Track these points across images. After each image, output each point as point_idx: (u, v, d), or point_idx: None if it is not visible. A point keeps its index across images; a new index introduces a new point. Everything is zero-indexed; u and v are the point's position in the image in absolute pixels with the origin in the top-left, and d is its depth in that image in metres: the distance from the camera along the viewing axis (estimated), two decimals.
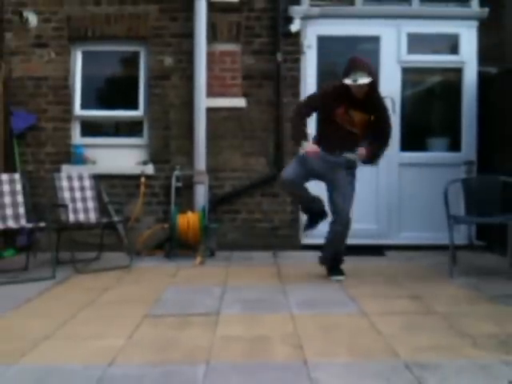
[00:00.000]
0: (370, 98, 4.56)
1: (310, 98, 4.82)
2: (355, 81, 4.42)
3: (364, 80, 4.42)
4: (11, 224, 5.05)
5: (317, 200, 4.88)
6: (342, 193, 4.66)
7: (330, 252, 4.83)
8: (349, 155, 4.60)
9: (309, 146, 4.55)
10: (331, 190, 4.73)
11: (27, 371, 2.78)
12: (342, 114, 4.55)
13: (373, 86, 4.54)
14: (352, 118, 4.55)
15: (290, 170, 4.71)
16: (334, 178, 4.66)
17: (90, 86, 6.45)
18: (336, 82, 4.62)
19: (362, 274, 5.06)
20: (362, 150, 4.60)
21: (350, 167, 4.68)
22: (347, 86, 4.48)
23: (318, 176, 4.73)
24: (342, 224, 4.70)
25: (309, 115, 4.70)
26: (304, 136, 4.57)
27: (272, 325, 3.53)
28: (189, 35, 6.13)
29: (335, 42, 6.27)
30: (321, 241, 6.26)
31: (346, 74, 4.45)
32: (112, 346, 3.10)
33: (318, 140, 4.69)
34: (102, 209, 5.87)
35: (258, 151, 6.25)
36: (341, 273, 4.82)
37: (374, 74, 4.56)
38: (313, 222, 4.94)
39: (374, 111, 4.60)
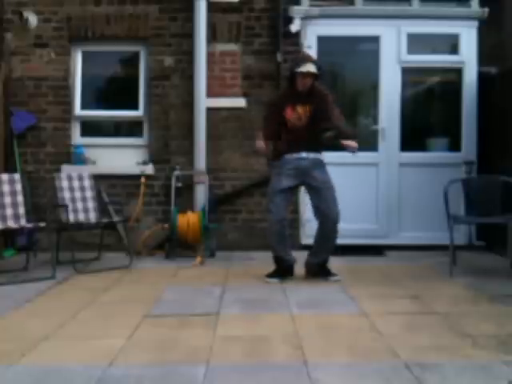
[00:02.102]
0: (312, 90, 4.67)
1: (265, 118, 4.93)
2: (306, 69, 4.56)
3: (313, 69, 4.58)
4: (11, 224, 5.05)
5: (292, 259, 4.85)
6: (323, 197, 4.67)
7: (324, 258, 4.81)
8: (327, 134, 4.67)
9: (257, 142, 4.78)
10: (311, 195, 4.78)
11: (27, 371, 2.78)
12: (291, 113, 4.67)
13: (316, 80, 4.69)
14: (298, 112, 4.66)
15: (275, 204, 4.70)
16: (309, 182, 4.71)
17: (89, 86, 6.45)
18: (279, 92, 4.90)
19: (362, 274, 5.06)
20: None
21: (319, 165, 4.72)
22: (292, 86, 4.67)
23: (296, 186, 4.82)
24: (330, 228, 4.70)
25: (275, 132, 4.77)
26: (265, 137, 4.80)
27: (272, 325, 3.54)
28: (189, 35, 6.13)
29: (335, 42, 6.27)
30: None
31: (297, 65, 4.61)
32: (112, 346, 3.10)
33: (280, 147, 4.74)
34: (102, 209, 5.87)
35: None
36: (334, 273, 4.80)
37: (320, 69, 4.70)
38: (278, 275, 4.79)
39: (314, 101, 4.66)
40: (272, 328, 3.47)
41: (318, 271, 4.82)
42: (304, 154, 4.69)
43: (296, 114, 4.67)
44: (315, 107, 4.67)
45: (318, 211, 4.72)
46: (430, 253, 5.81)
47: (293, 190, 4.87)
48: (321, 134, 4.71)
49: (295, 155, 4.69)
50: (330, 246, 4.78)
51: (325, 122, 4.70)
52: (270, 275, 4.79)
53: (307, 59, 4.70)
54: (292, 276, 4.83)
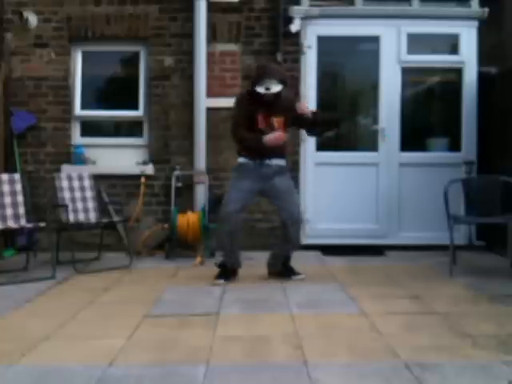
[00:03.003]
0: (282, 99, 4.59)
1: (235, 117, 4.75)
2: (268, 89, 4.48)
3: (276, 88, 4.49)
4: (11, 224, 5.05)
5: (238, 262, 4.83)
6: (286, 200, 4.64)
7: (285, 256, 4.83)
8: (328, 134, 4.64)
9: (272, 135, 4.54)
10: (274, 200, 4.74)
11: (27, 371, 2.78)
12: (262, 120, 4.57)
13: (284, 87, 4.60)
14: (273, 123, 4.59)
15: (230, 200, 4.62)
16: (271, 188, 4.65)
17: (89, 86, 6.45)
18: (248, 89, 4.68)
19: (362, 274, 5.06)
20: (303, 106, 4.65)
21: (281, 172, 4.68)
22: (257, 93, 4.54)
23: (257, 192, 4.73)
24: (295, 229, 4.69)
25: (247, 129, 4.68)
26: (256, 136, 4.56)
27: (272, 325, 3.54)
28: (189, 35, 6.13)
29: (335, 42, 6.28)
30: (321, 241, 6.30)
31: (258, 83, 4.49)
32: (112, 346, 3.10)
33: (244, 150, 4.67)
34: (102, 209, 5.87)
35: None
36: (298, 272, 4.82)
37: (285, 79, 4.63)
38: (225, 276, 4.74)
39: (290, 111, 4.61)
40: (272, 328, 3.47)
41: (282, 271, 4.83)
42: (267, 161, 4.62)
43: (269, 123, 4.57)
44: (287, 117, 4.62)
45: (282, 213, 4.68)
46: (430, 253, 5.81)
47: (252, 195, 4.72)
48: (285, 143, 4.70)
49: (258, 161, 4.61)
50: (291, 247, 4.79)
51: (304, 124, 4.72)
52: (217, 277, 4.72)
53: (268, 74, 4.51)
54: (236, 278, 4.78)
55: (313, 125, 4.76)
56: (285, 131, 4.66)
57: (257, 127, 4.58)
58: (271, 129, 4.58)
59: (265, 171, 4.62)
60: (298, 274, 4.81)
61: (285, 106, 4.62)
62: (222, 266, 4.78)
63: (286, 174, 4.75)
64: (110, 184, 6.20)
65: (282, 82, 4.56)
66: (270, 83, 4.49)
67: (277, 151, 4.62)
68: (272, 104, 4.56)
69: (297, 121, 4.72)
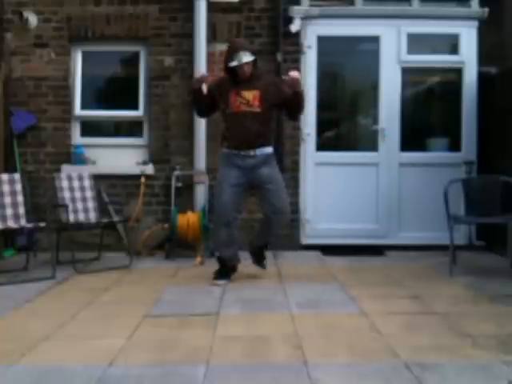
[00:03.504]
0: (255, 75, 4.54)
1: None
2: (240, 61, 4.42)
3: (249, 58, 4.45)
4: (11, 224, 5.05)
5: (237, 261, 4.83)
6: (274, 192, 4.55)
7: (261, 244, 4.87)
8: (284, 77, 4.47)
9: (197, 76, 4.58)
10: (262, 191, 4.63)
11: (27, 371, 2.78)
12: (234, 98, 4.47)
13: (255, 65, 4.55)
14: (245, 97, 4.46)
15: (222, 198, 4.55)
16: (259, 179, 4.55)
17: (89, 86, 6.45)
18: (219, 77, 4.64)
19: (362, 274, 5.06)
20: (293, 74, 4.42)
21: (267, 162, 4.58)
22: (232, 73, 4.49)
23: (244, 185, 4.61)
24: (282, 222, 4.69)
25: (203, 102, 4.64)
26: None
27: (272, 325, 3.54)
28: (189, 35, 6.13)
29: (335, 42, 6.28)
30: (321, 241, 6.30)
31: (230, 58, 4.45)
32: (112, 346, 3.10)
33: (226, 140, 4.58)
34: (102, 209, 5.87)
35: None
36: (264, 264, 4.93)
37: (254, 52, 4.58)
38: (224, 275, 4.73)
39: (264, 85, 4.51)
40: (272, 328, 3.47)
41: (254, 252, 4.88)
42: (252, 152, 4.51)
43: (241, 99, 4.45)
44: (265, 92, 4.48)
45: (270, 206, 4.57)
46: (430, 253, 5.81)
47: (242, 188, 4.61)
48: (268, 125, 4.60)
49: (242, 152, 4.50)
50: (271, 238, 4.85)
51: (284, 102, 4.53)
52: (217, 277, 4.71)
53: (240, 47, 4.48)
54: (235, 272, 4.79)
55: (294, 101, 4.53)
56: (265, 107, 4.48)
57: (232, 111, 4.48)
58: (247, 104, 4.45)
59: (251, 162, 4.52)
60: (263, 266, 4.90)
61: (260, 82, 4.51)
62: (221, 262, 4.77)
63: (273, 163, 4.63)
64: (110, 184, 6.20)
65: (253, 53, 4.52)
66: (242, 56, 4.42)
67: (261, 139, 4.51)
68: (243, 81, 4.48)
69: (286, 102, 4.54)
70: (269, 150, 4.60)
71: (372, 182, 6.27)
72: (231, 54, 4.47)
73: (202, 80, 4.67)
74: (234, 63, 4.43)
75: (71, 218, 5.37)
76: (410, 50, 6.25)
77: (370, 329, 3.44)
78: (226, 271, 4.75)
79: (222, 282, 4.66)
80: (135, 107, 6.38)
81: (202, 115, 5.05)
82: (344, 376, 2.70)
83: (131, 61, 6.44)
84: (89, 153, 6.30)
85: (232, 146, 4.54)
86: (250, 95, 4.47)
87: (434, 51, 6.38)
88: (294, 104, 4.55)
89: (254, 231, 6.17)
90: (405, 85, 6.33)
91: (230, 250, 4.71)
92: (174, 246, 5.86)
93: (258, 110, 4.47)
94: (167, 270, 5.25)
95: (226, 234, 4.63)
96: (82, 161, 6.25)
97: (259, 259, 4.93)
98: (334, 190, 6.22)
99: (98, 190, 5.88)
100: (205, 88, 4.67)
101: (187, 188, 6.16)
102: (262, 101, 4.48)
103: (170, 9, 6.22)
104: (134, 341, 3.23)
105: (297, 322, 3.58)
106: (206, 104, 4.68)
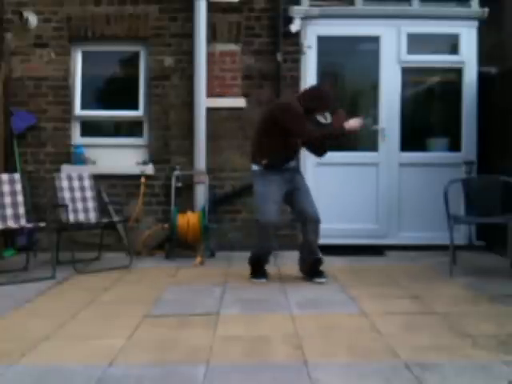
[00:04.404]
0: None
1: (301, 120, 4.56)
2: (326, 119, 4.53)
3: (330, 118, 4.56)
4: (11, 224, 5.05)
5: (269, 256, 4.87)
6: (306, 198, 4.70)
7: (307, 256, 4.81)
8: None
9: (353, 121, 4.51)
10: (294, 199, 4.72)
11: (27, 371, 2.78)
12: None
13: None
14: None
15: (268, 208, 4.57)
16: (294, 188, 4.70)
17: (89, 85, 6.45)
18: (304, 107, 4.54)
19: (362, 274, 5.06)
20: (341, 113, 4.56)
21: (298, 171, 4.90)
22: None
23: (283, 194, 4.68)
24: (315, 228, 4.70)
25: None
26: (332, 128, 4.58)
27: (272, 325, 3.54)
28: (189, 35, 6.13)
29: (335, 42, 6.28)
30: (321, 241, 6.27)
31: (319, 109, 4.50)
32: (112, 346, 3.10)
33: (267, 154, 4.63)
34: (102, 209, 5.87)
35: None
36: (323, 275, 4.75)
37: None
38: (260, 274, 4.79)
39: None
40: (272, 328, 3.47)
41: (307, 270, 4.82)
42: (291, 164, 4.77)
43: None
44: None
45: (303, 213, 4.70)
46: (430, 253, 5.81)
47: (283, 197, 4.71)
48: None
49: (284, 165, 4.71)
50: (316, 244, 4.78)
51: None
52: (256, 276, 4.77)
53: (329, 105, 4.57)
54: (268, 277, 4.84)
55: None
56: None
57: (292, 143, 4.65)
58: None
59: (287, 174, 4.69)
60: (321, 277, 4.71)
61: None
62: (254, 262, 4.81)
63: (300, 171, 4.93)
64: (110, 184, 6.20)
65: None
66: (327, 114, 4.55)
67: (294, 155, 4.78)
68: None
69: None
70: (296, 163, 4.94)
71: (372, 182, 6.27)
72: (324, 108, 4.52)
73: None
74: (321, 119, 4.51)
75: (71, 217, 5.37)
76: (410, 50, 6.25)
77: (370, 329, 3.44)
78: (260, 269, 4.81)
79: (262, 280, 4.74)
80: (135, 107, 6.38)
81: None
82: (344, 376, 2.70)
83: (131, 61, 6.44)
84: (89, 153, 6.30)
85: (278, 162, 4.68)
86: None
87: (434, 51, 6.38)
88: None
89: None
90: (405, 85, 6.33)
91: (267, 254, 4.84)
92: (173, 246, 5.86)
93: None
94: (167, 270, 5.24)
95: (267, 242, 4.72)
96: (81, 161, 6.25)
97: (311, 274, 4.78)
98: (334, 190, 6.22)
99: (98, 190, 5.88)
100: None
101: (187, 188, 6.15)
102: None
103: (170, 9, 6.22)
104: (134, 341, 3.23)
105: (297, 322, 3.58)
106: None
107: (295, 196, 4.72)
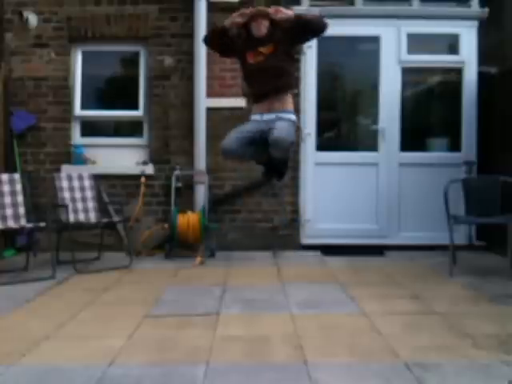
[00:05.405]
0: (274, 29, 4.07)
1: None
2: (257, 10, 4.07)
3: (263, 9, 4.08)
4: (11, 224, 5.05)
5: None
6: (277, 129, 3.88)
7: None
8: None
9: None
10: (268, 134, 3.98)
11: (27, 371, 2.78)
12: (252, 55, 4.06)
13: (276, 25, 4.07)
14: (262, 51, 4.03)
15: (228, 139, 4.11)
16: (271, 128, 3.96)
17: (90, 86, 6.45)
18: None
19: (362, 273, 5.07)
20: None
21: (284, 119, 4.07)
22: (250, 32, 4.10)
23: (257, 135, 4.11)
24: (279, 147, 3.89)
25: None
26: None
27: (272, 325, 3.54)
28: (189, 35, 6.13)
29: (335, 42, 6.26)
30: (321, 241, 6.31)
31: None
32: (112, 346, 3.11)
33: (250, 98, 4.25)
34: (102, 209, 5.87)
35: None
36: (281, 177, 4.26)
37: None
38: (271, 175, 4.24)
39: (278, 34, 4.02)
40: (272, 328, 3.47)
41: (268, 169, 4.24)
42: (266, 116, 4.06)
43: (259, 53, 4.03)
44: (280, 37, 4.01)
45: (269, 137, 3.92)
46: (430, 253, 5.81)
47: (251, 133, 4.13)
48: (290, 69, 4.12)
49: (258, 117, 4.10)
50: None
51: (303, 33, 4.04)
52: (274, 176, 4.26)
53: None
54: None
55: (306, 25, 3.98)
56: (274, 51, 4.04)
57: (246, 63, 4.12)
58: (260, 56, 4.05)
59: (268, 119, 4.04)
60: (279, 178, 4.25)
61: (276, 31, 4.05)
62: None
63: (289, 121, 4.07)
64: (110, 184, 6.20)
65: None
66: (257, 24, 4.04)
67: (279, 103, 4.06)
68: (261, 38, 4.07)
69: (292, 32, 4.00)
70: (287, 114, 4.08)
71: (372, 181, 6.27)
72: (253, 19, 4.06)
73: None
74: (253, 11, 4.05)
75: (71, 217, 5.37)
76: (410, 50, 6.25)
77: (370, 329, 3.44)
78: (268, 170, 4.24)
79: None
80: (135, 107, 6.38)
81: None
82: (344, 376, 2.70)
83: (131, 61, 6.45)
84: (89, 153, 6.30)
85: (252, 99, 4.22)
86: (265, 49, 4.04)
87: (434, 51, 6.38)
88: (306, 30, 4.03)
89: (254, 231, 6.20)
90: (405, 85, 6.33)
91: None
92: (173, 246, 5.86)
93: (270, 53, 4.03)
94: (167, 270, 5.24)
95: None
96: (81, 161, 6.25)
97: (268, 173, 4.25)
98: (334, 190, 6.22)
99: (97, 190, 5.88)
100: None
101: (187, 188, 6.15)
102: (275, 49, 4.03)
103: (170, 9, 6.22)
104: (134, 341, 3.23)
105: (297, 322, 3.58)
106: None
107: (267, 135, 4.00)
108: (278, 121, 4.05)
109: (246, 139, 4.18)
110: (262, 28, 4.13)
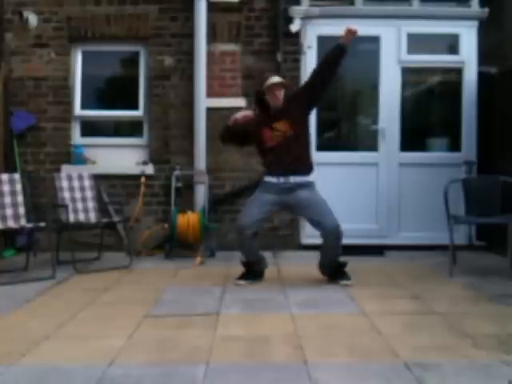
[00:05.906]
0: (288, 99, 4.54)
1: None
2: (271, 82, 4.46)
3: (277, 79, 4.50)
4: (11, 224, 5.05)
5: (262, 261, 4.76)
6: (317, 210, 4.46)
7: (329, 261, 4.66)
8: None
9: (238, 114, 4.54)
10: (305, 213, 4.59)
11: (27, 371, 2.78)
12: (269, 133, 4.49)
13: (287, 90, 4.56)
14: (278, 128, 4.48)
15: (247, 213, 4.53)
16: (297, 201, 4.49)
17: (90, 85, 6.45)
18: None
19: (362, 274, 5.05)
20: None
21: (306, 186, 4.52)
22: (265, 106, 4.52)
23: (280, 207, 4.64)
24: (334, 238, 4.47)
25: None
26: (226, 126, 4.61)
27: (272, 325, 3.54)
28: (189, 35, 6.13)
29: (335, 42, 6.25)
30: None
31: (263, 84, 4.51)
32: (112, 346, 3.10)
33: (265, 165, 4.62)
34: (102, 209, 5.88)
35: None
36: (347, 276, 4.64)
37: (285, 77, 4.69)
38: (249, 277, 4.69)
39: (291, 110, 4.50)
40: (272, 328, 3.47)
41: (331, 275, 4.68)
42: (282, 179, 4.49)
43: (275, 132, 4.47)
44: (297, 112, 4.51)
45: (317, 226, 4.51)
46: (430, 253, 5.81)
47: (269, 206, 4.54)
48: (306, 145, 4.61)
49: (275, 179, 4.50)
50: (336, 253, 4.59)
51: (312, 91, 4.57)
52: (240, 277, 4.68)
53: (270, 76, 4.57)
54: (262, 279, 4.73)
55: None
56: (301, 124, 4.52)
57: (268, 145, 4.52)
58: (282, 136, 4.46)
59: (286, 186, 4.49)
60: (347, 278, 4.59)
61: (291, 102, 4.53)
62: (245, 265, 4.72)
63: (311, 188, 4.55)
64: (110, 184, 6.21)
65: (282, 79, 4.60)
66: (273, 78, 4.50)
67: (298, 167, 4.49)
68: (275, 112, 4.52)
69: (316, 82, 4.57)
70: (306, 178, 4.57)
71: (372, 182, 6.27)
72: (263, 81, 4.52)
73: (240, 120, 4.56)
74: (268, 82, 4.45)
75: (71, 217, 5.37)
76: (410, 50, 6.25)
77: (370, 329, 3.44)
78: (251, 272, 4.70)
79: (242, 282, 4.62)
80: (135, 107, 6.38)
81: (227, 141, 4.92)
82: (344, 376, 2.70)
83: (131, 61, 6.45)
84: (89, 153, 6.30)
85: (269, 171, 4.58)
86: (283, 126, 4.48)
87: (434, 51, 6.38)
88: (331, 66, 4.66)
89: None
90: (405, 85, 6.33)
91: (254, 257, 4.69)
92: (174, 246, 5.86)
93: (291, 133, 4.48)
94: (167, 270, 5.24)
95: (244, 248, 4.61)
96: (81, 161, 6.25)
97: (336, 277, 4.65)
98: (334, 190, 6.18)
99: (97, 189, 5.88)
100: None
101: (187, 188, 6.16)
102: (297, 123, 4.51)
103: (170, 9, 6.22)
104: (134, 341, 3.23)
105: (297, 322, 3.58)
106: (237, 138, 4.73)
107: (304, 210, 4.54)
108: (300, 190, 4.47)
109: (263, 214, 4.57)
110: (279, 97, 4.50)
